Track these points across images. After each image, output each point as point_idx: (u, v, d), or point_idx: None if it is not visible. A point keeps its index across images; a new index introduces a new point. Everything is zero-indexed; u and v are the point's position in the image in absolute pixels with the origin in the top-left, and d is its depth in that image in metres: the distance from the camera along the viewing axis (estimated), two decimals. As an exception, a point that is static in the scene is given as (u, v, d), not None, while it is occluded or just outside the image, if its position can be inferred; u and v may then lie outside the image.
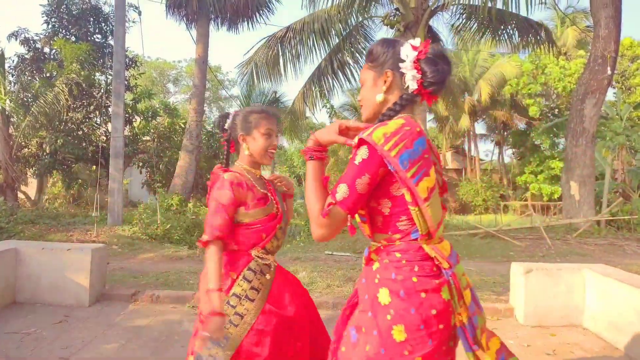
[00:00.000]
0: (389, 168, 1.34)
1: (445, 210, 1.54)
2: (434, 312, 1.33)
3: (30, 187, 16.03)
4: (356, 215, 1.47)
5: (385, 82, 1.48)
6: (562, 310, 4.19)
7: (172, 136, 14.91)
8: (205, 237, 1.78)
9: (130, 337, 3.57)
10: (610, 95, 23.61)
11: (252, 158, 2.01)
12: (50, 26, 13.77)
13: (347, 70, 13.03)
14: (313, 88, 13.13)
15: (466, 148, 31.43)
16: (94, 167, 14.79)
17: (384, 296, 1.37)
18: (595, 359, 3.48)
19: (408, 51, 1.46)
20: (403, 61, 1.46)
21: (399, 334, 1.31)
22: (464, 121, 26.51)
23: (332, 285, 5.04)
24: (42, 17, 13.69)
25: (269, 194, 2.00)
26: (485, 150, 55.89)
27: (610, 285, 3.91)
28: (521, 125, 28.03)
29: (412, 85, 1.46)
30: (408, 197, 1.37)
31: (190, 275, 5.44)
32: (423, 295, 1.34)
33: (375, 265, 1.44)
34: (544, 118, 23.81)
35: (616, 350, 3.65)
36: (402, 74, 1.47)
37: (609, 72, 9.68)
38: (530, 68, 23.19)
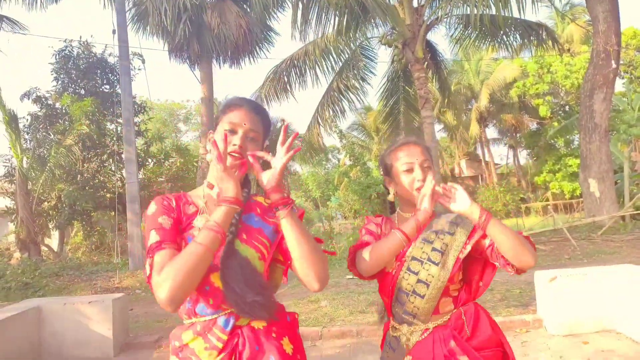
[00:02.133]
0: None
1: None
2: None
3: (53, 239, 16.34)
4: None
5: None
6: (593, 316, 4.07)
7: (185, 175, 15.12)
8: None
9: (156, 386, 3.56)
10: (620, 86, 23.37)
11: None
12: (59, 82, 14.23)
13: (354, 90, 13.21)
14: (325, 112, 13.35)
15: (480, 154, 31.21)
16: (112, 213, 15.04)
17: (287, 345, 1.37)
18: (633, 365, 3.36)
19: None
20: None
21: None
22: (474, 128, 26.39)
23: (354, 312, 4.98)
24: (52, 74, 14.17)
25: None
26: (500, 154, 55.39)
27: (638, 285, 3.80)
28: (533, 125, 27.80)
29: None
30: (281, 257, 1.46)
31: None
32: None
33: (258, 323, 1.35)
34: (555, 116, 23.60)
35: (653, 353, 3.52)
36: None
37: (614, 65, 9.60)
38: (535, 68, 23.10)
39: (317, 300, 5.64)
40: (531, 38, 12.35)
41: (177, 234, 1.33)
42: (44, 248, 14.60)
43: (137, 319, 5.75)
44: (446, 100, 15.40)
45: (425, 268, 1.59)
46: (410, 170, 1.66)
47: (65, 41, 14.11)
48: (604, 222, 9.47)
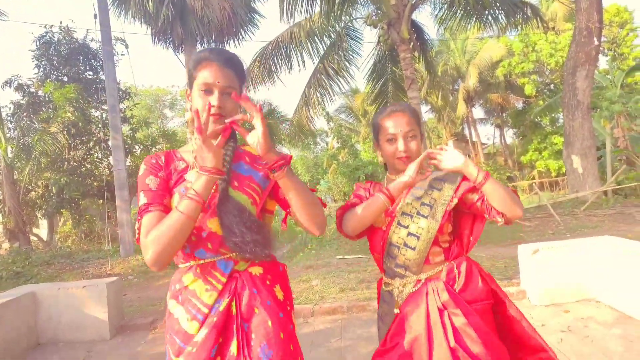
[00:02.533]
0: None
1: None
2: None
3: (42, 228, 16.25)
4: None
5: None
6: (573, 286, 4.23)
7: (174, 161, 15.08)
8: None
9: (153, 364, 3.66)
10: (603, 63, 23.60)
11: None
12: (41, 69, 13.99)
13: (341, 71, 13.17)
14: (312, 93, 13.32)
15: (467, 134, 31.43)
16: (101, 201, 14.98)
17: (279, 292, 1.48)
18: (610, 331, 3.52)
19: None
20: None
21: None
22: (461, 108, 26.52)
23: (345, 289, 5.10)
24: (33, 61, 13.91)
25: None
26: (486, 133, 55.87)
27: (617, 255, 3.95)
28: (518, 104, 28.02)
29: None
30: (271, 207, 1.59)
31: None
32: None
33: (256, 269, 1.47)
34: (540, 95, 23.81)
35: (629, 319, 3.68)
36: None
37: (596, 42, 9.72)
38: (521, 47, 23.21)
39: (309, 279, 5.76)
40: (516, 16, 12.36)
41: (165, 193, 1.40)
42: (33, 237, 14.53)
43: (131, 303, 5.82)
44: (433, 81, 15.42)
45: (415, 221, 1.67)
46: (393, 141, 1.71)
47: (45, 27, 13.83)
48: (586, 198, 9.69)
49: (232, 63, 1.45)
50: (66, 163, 13.35)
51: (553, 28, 24.43)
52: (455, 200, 1.67)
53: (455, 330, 1.55)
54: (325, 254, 8.69)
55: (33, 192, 14.13)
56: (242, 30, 13.87)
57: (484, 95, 27.10)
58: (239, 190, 1.42)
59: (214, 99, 1.38)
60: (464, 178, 1.68)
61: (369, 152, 22.30)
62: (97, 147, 13.77)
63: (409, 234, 1.67)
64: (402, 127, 1.71)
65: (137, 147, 14.70)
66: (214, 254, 1.38)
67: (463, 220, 1.75)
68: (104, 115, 13.64)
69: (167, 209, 1.35)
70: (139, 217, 1.34)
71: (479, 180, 1.56)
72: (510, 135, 31.34)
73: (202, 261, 1.38)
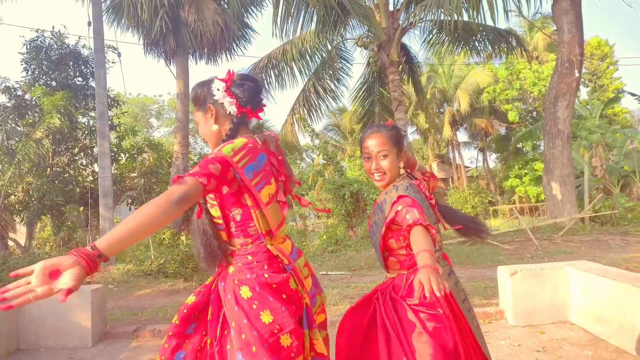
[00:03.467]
0: (237, 177, 1.59)
1: (284, 209, 1.79)
2: (284, 296, 1.63)
3: (19, 234, 15.95)
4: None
5: (211, 115, 1.74)
6: (549, 308, 4.37)
7: (159, 171, 15.01)
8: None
9: (135, 372, 3.67)
10: (584, 94, 24.34)
11: None
12: (30, 73, 13.91)
13: (330, 90, 13.39)
14: (300, 111, 13.49)
15: (451, 157, 31.92)
16: (82, 208, 14.82)
17: (245, 292, 1.61)
18: (582, 352, 3.65)
19: (218, 85, 1.73)
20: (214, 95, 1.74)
21: (266, 317, 1.57)
22: (446, 131, 27.00)
23: (328, 304, 5.17)
24: (22, 64, 13.83)
25: None
26: (470, 157, 56.62)
27: (591, 279, 4.10)
28: (502, 130, 28.64)
29: (232, 109, 1.73)
30: (249, 202, 1.66)
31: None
32: (274, 286, 1.63)
33: (231, 269, 1.68)
34: (523, 122, 24.42)
35: (601, 341, 3.82)
36: (222, 104, 1.73)
37: (577, 74, 10.10)
38: (505, 74, 23.84)
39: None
40: (501, 45, 12.81)
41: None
42: (10, 243, 14.26)
43: (112, 311, 5.78)
44: (421, 103, 15.75)
45: (374, 232, 2.02)
46: (368, 159, 1.99)
47: (37, 31, 13.81)
48: (564, 224, 9.96)
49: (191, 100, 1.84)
50: (49, 169, 13.22)
51: (537, 57, 25.20)
52: (384, 228, 1.90)
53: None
54: (308, 269, 8.74)
55: (12, 197, 13.91)
56: (234, 45, 14.02)
57: (469, 119, 27.67)
58: (213, 207, 1.73)
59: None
60: (399, 199, 1.83)
61: (355, 170, 22.50)
62: (82, 154, 13.68)
63: (373, 243, 2.06)
64: (375, 148, 1.96)
65: (122, 155, 14.63)
66: None
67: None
68: (91, 122, 13.60)
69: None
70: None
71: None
72: (493, 159, 31.97)
73: None
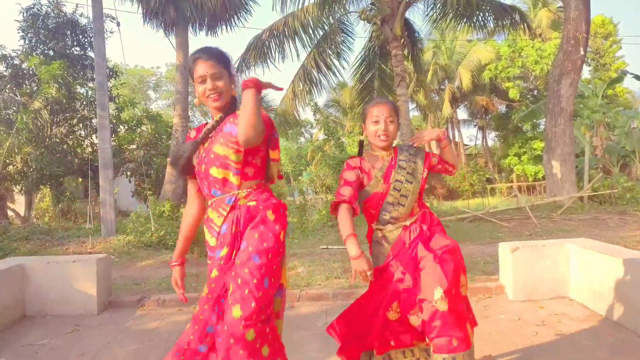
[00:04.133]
0: (274, 135, 2.12)
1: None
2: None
3: (17, 204, 15.96)
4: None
5: (232, 81, 2.11)
6: (549, 284, 4.43)
7: (158, 143, 14.96)
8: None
9: (142, 339, 3.72)
10: (586, 72, 24.16)
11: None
12: (27, 41, 13.70)
13: (331, 65, 13.23)
14: (301, 85, 13.35)
15: (450, 135, 31.79)
16: (80, 179, 14.80)
17: (270, 215, 2.01)
18: (581, 326, 3.72)
19: (233, 69, 2.18)
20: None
21: (283, 236, 2.03)
22: (446, 108, 26.84)
23: (330, 277, 5.23)
24: (19, 32, 13.61)
25: None
26: (469, 135, 56.59)
27: (591, 256, 4.15)
28: (502, 108, 28.50)
29: (238, 90, 2.18)
30: (273, 155, 2.13)
31: (192, 278, 5.58)
32: (285, 213, 2.09)
33: (252, 203, 2.01)
34: (524, 100, 24.28)
35: (599, 316, 3.89)
36: (234, 80, 2.14)
37: (582, 52, 9.99)
38: (508, 52, 23.57)
39: (295, 266, 5.87)
40: (505, 21, 12.61)
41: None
42: (9, 213, 14.29)
43: (115, 281, 5.81)
44: (421, 80, 15.60)
45: (405, 186, 2.37)
46: (376, 122, 2.36)
47: (33, -2, 13.55)
48: (563, 202, 10.01)
49: (215, 55, 2.04)
50: (47, 139, 13.14)
51: (540, 35, 24.90)
52: (426, 171, 2.46)
53: (426, 246, 2.27)
54: (308, 243, 8.80)
55: (11, 167, 13.87)
56: (235, 16, 13.80)
57: (469, 97, 27.48)
58: (223, 145, 1.98)
59: (208, 84, 2.00)
60: (427, 154, 2.48)
61: (354, 146, 22.43)
62: (81, 125, 13.59)
63: (401, 195, 2.37)
64: (384, 113, 2.36)
65: (121, 126, 14.54)
66: (221, 192, 2.02)
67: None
68: (89, 93, 13.47)
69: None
70: None
71: (444, 144, 2.44)
72: (492, 137, 31.90)
73: (215, 198, 2.05)
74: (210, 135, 2.05)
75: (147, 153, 14.29)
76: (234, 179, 2.00)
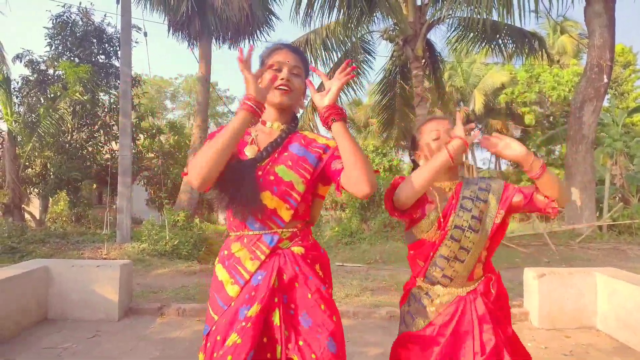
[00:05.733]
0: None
1: None
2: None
3: (32, 207, 16.11)
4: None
5: (304, 91, 1.74)
6: (575, 313, 4.34)
7: (177, 153, 15.10)
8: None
9: (163, 348, 3.70)
10: (605, 101, 24.02)
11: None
12: (53, 48, 13.98)
13: (351, 82, 13.31)
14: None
15: (463, 157, 31.64)
16: (94, 185, 14.95)
17: (319, 270, 1.61)
18: (610, 358, 3.63)
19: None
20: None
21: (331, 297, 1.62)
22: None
23: (350, 295, 5.18)
24: (46, 39, 13.91)
25: None
26: (482, 158, 56.37)
27: (620, 286, 4.07)
28: (517, 133, 28.39)
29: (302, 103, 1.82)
30: (321, 191, 1.74)
31: (192, 288, 5.58)
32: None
33: (298, 249, 1.59)
34: (539, 125, 24.18)
35: (628, 349, 3.80)
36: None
37: (606, 80, 9.95)
38: (525, 77, 23.57)
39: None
40: (524, 46, 12.63)
41: None
42: (26, 215, 14.43)
43: (132, 288, 5.84)
44: (442, 100, 15.62)
45: (466, 235, 1.74)
46: (438, 138, 1.82)
47: (64, 6, 13.88)
48: (582, 231, 9.87)
49: (299, 51, 1.72)
50: (68, 144, 13.31)
51: (558, 61, 24.89)
52: (502, 213, 1.75)
53: (483, 344, 1.68)
54: (322, 259, 8.75)
55: (30, 170, 14.05)
56: (258, 31, 14.00)
57: (484, 119, 27.44)
58: (291, 170, 1.58)
59: (283, 74, 1.62)
60: (505, 187, 1.80)
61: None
62: (102, 131, 13.76)
63: (460, 247, 1.74)
64: (444, 126, 1.84)
65: (141, 135, 14.71)
66: (262, 225, 1.57)
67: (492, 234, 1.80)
68: (112, 100, 13.66)
69: None
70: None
71: (536, 172, 1.60)
72: (505, 162, 31.74)
73: (250, 232, 1.57)
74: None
75: (165, 162, 14.41)
76: (285, 214, 1.57)
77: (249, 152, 1.60)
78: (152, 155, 14.98)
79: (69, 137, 13.11)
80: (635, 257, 8.75)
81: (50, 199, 15.68)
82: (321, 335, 1.47)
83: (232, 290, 1.52)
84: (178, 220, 11.58)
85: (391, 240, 9.83)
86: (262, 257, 1.53)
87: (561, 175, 17.80)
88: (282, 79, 1.60)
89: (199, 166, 1.42)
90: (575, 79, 20.86)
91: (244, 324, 1.44)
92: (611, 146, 11.73)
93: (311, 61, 12.95)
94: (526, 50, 12.69)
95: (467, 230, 1.74)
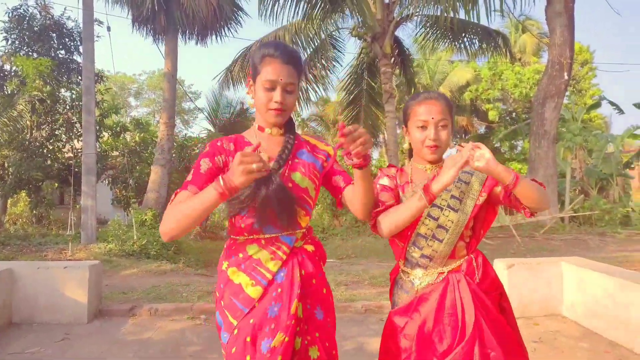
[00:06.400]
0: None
1: None
2: None
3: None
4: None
5: (296, 97, 1.67)
6: (543, 301, 4.49)
7: (142, 151, 14.72)
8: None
9: (137, 349, 3.61)
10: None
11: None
12: (9, 43, 13.39)
13: (320, 78, 13.31)
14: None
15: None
16: (56, 185, 14.42)
17: (321, 267, 1.72)
18: (577, 344, 3.77)
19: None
20: None
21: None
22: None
23: (335, 288, 5.19)
24: (1, 33, 13.31)
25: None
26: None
27: (586, 275, 4.23)
28: (481, 129, 29.09)
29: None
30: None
31: (183, 288, 5.47)
32: None
33: (310, 248, 1.67)
34: (502, 122, 24.86)
35: (594, 334, 3.96)
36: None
37: (566, 77, 10.31)
38: (488, 74, 24.17)
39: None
40: (489, 44, 12.94)
41: (209, 179, 1.48)
42: (-18, 217, 13.79)
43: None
44: (410, 94, 15.79)
45: (445, 214, 1.70)
46: (424, 128, 1.72)
47: (20, -1, 13.30)
48: (545, 222, 10.21)
49: (293, 60, 1.59)
50: (27, 142, 12.79)
51: (520, 59, 25.61)
52: (485, 195, 1.71)
53: (473, 326, 1.60)
54: (294, 256, 8.74)
55: (-14, 169, 13.44)
56: (226, 27, 13.79)
57: (450, 116, 27.90)
58: (305, 176, 1.61)
59: (276, 95, 1.55)
60: (489, 176, 1.70)
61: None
62: (63, 129, 13.27)
63: (439, 226, 1.70)
64: (435, 115, 1.71)
65: (104, 132, 14.29)
66: (279, 230, 1.57)
67: (479, 212, 1.75)
68: (73, 96, 13.20)
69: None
70: (178, 190, 1.49)
71: (509, 183, 1.51)
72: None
73: (267, 235, 1.57)
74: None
75: (130, 160, 14.03)
76: (303, 220, 1.63)
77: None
78: (117, 153, 14.55)
79: (28, 135, 12.58)
80: (596, 246, 9.14)
81: (9, 200, 15.06)
82: (331, 326, 1.63)
83: (254, 292, 1.52)
84: (146, 219, 11.30)
85: (363, 235, 9.91)
86: (284, 257, 1.56)
87: (524, 169, 18.35)
88: (275, 101, 1.56)
89: (169, 227, 1.39)
90: (536, 77, 21.53)
91: (281, 321, 1.48)
92: (572, 141, 12.19)
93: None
94: (491, 48, 13.00)
95: (446, 209, 1.71)
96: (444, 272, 1.71)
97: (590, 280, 4.16)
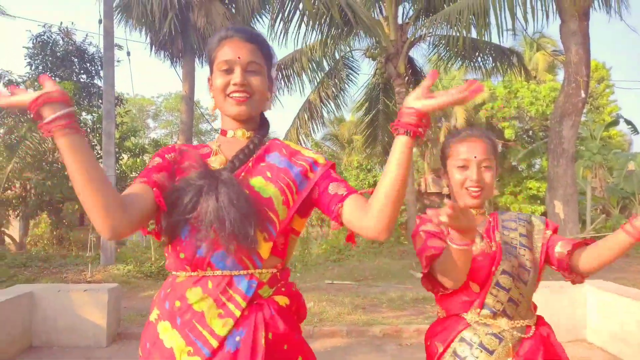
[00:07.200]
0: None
1: None
2: None
3: (11, 229, 15.71)
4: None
5: (269, 86, 1.33)
6: (566, 326, 4.38)
7: (160, 172, 14.95)
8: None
9: (155, 375, 3.60)
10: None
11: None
12: (33, 68, 13.83)
13: (334, 98, 13.47)
14: (306, 117, 13.57)
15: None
16: (76, 206, 14.65)
17: (300, 329, 1.26)
18: (605, 370, 3.66)
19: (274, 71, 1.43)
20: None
21: None
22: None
23: (342, 314, 5.14)
24: (26, 59, 13.75)
25: None
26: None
27: (610, 299, 4.12)
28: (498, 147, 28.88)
29: (270, 99, 1.43)
30: (299, 227, 1.31)
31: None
32: None
33: (283, 300, 1.19)
34: (519, 140, 24.67)
35: (622, 360, 3.83)
36: (272, 85, 1.37)
37: (583, 95, 10.20)
38: (504, 93, 24.11)
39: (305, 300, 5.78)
40: (503, 63, 12.95)
41: (158, 171, 1.19)
42: (5, 238, 14.07)
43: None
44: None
45: (522, 253, 1.46)
46: (464, 167, 1.49)
47: (44, 26, 13.77)
48: (566, 243, 9.99)
49: (256, 39, 1.28)
50: (49, 165, 13.08)
51: (535, 77, 25.53)
52: (549, 233, 1.52)
53: None
54: (311, 277, 8.69)
55: (9, 192, 13.74)
56: (242, 50, 14.05)
57: (465, 135, 27.79)
58: (270, 182, 1.18)
59: (235, 76, 1.21)
60: (547, 224, 1.56)
61: (351, 180, 22.52)
62: (84, 151, 13.54)
63: (520, 265, 1.44)
64: (478, 154, 1.48)
65: (124, 155, 14.55)
66: (232, 265, 1.12)
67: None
68: (94, 119, 13.51)
69: (154, 184, 1.14)
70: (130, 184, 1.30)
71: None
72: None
73: (218, 272, 1.12)
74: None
75: (148, 182, 14.24)
76: (264, 248, 1.15)
77: (215, 163, 1.22)
78: (136, 174, 14.81)
79: (50, 158, 12.87)
80: (619, 267, 8.90)
81: (31, 222, 15.33)
82: None
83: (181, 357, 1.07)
84: (164, 240, 11.39)
85: (380, 256, 9.83)
86: (237, 314, 1.09)
87: (543, 188, 18.08)
88: (234, 84, 1.21)
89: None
90: (552, 94, 21.38)
91: None
92: (591, 159, 12.01)
93: (296, 79, 13.02)
94: (505, 66, 13.01)
95: (520, 248, 1.47)
96: (530, 326, 1.49)
97: (615, 305, 4.06)
